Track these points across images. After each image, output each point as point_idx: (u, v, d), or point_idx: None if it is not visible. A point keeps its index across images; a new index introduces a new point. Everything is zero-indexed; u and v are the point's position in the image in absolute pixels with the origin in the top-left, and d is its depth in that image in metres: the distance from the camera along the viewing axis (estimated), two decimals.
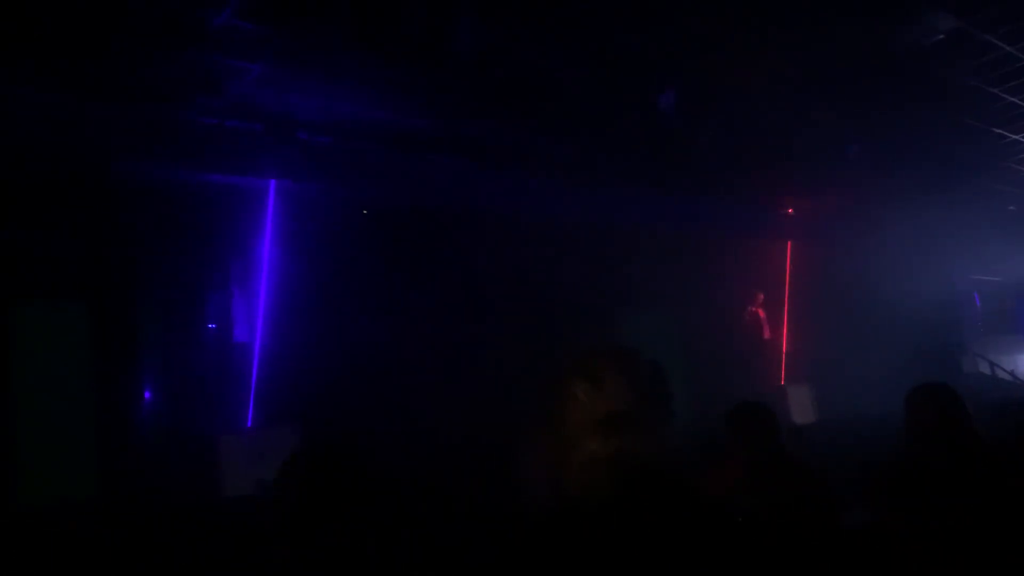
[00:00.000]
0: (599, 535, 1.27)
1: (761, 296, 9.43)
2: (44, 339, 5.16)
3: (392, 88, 5.28)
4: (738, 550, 1.36)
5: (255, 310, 6.40)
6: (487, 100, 5.63)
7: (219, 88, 4.94)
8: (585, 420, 1.41)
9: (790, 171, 7.70)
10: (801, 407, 8.59)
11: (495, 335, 6.93)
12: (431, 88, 5.33)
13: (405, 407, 6.23)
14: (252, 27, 4.44)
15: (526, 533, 1.28)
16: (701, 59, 5.31)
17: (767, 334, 9.48)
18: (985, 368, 11.50)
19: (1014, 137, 8.00)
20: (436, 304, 6.80)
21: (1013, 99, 6.93)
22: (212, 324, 6.46)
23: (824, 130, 6.75)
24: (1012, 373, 11.38)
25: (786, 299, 9.84)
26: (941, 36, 5.56)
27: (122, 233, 5.40)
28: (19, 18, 4.04)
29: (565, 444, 1.44)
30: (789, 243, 9.94)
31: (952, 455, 2.82)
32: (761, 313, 9.44)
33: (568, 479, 1.39)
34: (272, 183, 6.27)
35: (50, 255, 5.11)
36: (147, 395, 5.51)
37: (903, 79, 5.92)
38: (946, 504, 2.68)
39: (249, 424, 5.82)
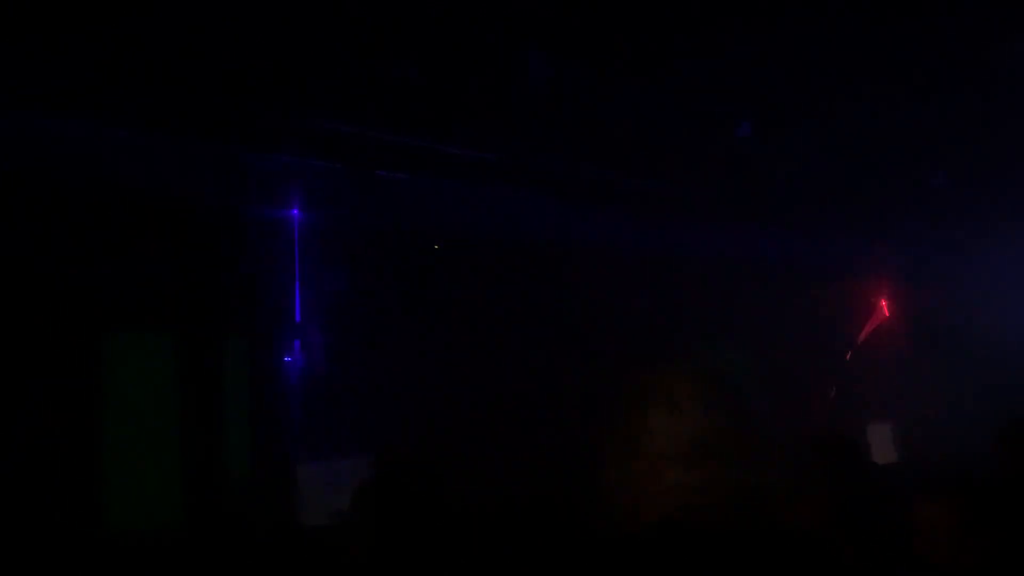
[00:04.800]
0: (685, 564, 1.25)
1: (843, 330, 9.22)
2: (132, 370, 5.34)
3: (463, 122, 5.37)
4: None
5: (329, 343, 6.51)
6: (556, 132, 5.67)
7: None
8: (664, 448, 1.37)
9: (874, 201, 7.52)
10: (885, 445, 8.32)
11: (564, 365, 6.92)
12: (501, 121, 5.41)
13: (476, 436, 6.25)
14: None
15: (604, 561, 1.27)
16: (780, 87, 5.25)
17: (849, 369, 9.24)
18: None
19: None
20: (505, 334, 6.83)
21: None
22: (288, 356, 6.60)
23: (909, 159, 6.58)
24: None
25: (868, 334, 9.58)
26: None
27: (207, 267, 5.57)
28: (112, 66, 4.25)
29: (641, 474, 1.39)
30: (871, 276, 9.69)
31: None
32: (843, 348, 9.22)
33: (647, 510, 1.35)
34: (348, 218, 6.40)
35: (139, 287, 5.30)
36: (228, 426, 5.63)
37: (998, 100, 5.73)
38: None
39: (324, 455, 5.90)
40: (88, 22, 3.92)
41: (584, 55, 4.88)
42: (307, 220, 6.26)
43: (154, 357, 5.44)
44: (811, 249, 8.74)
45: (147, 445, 5.25)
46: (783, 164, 6.24)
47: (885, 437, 8.36)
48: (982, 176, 7.32)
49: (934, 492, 2.69)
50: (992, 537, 2.51)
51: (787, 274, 8.64)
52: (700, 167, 6.33)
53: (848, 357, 9.25)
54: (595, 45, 4.76)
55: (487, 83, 4.95)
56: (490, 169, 6.10)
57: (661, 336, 7.45)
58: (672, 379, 1.47)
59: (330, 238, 6.35)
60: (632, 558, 1.26)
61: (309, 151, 5.43)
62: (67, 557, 4.62)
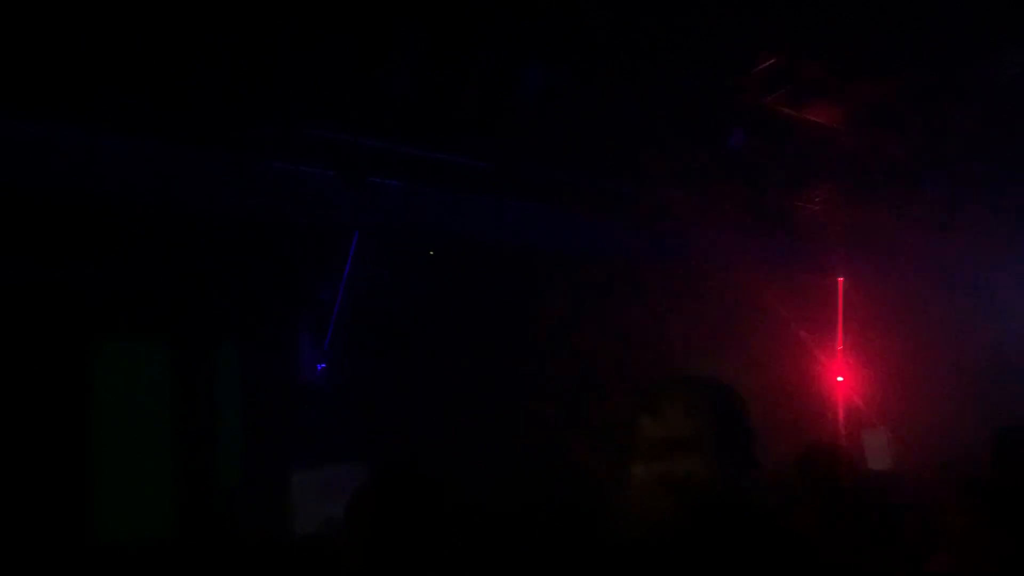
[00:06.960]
0: (654, 561, 1.26)
1: (836, 337, 9.22)
2: (124, 379, 5.30)
3: (458, 130, 5.37)
4: None
5: (324, 351, 6.48)
6: (551, 140, 5.67)
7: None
8: (648, 446, 1.43)
9: (866, 207, 7.55)
10: (879, 452, 8.28)
11: (561, 374, 6.91)
12: (496, 129, 5.40)
13: (471, 442, 6.23)
14: None
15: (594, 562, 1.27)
16: (770, 95, 5.27)
17: (842, 377, 9.24)
18: None
19: None
20: (501, 343, 6.83)
21: None
22: (283, 365, 6.57)
23: (899, 166, 6.61)
24: None
25: (862, 340, 9.57)
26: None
27: (200, 275, 5.55)
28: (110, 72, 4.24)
29: (622, 474, 1.48)
30: (864, 282, 9.70)
31: None
32: (837, 355, 9.22)
33: (623, 507, 1.41)
34: (340, 227, 6.39)
35: (132, 296, 5.27)
36: (222, 435, 5.60)
37: (981, 112, 5.77)
38: None
39: (319, 463, 5.87)
40: (86, 27, 3.91)
41: (579, 63, 4.90)
42: (300, 226, 6.24)
43: (146, 363, 5.42)
44: (804, 256, 8.76)
45: (139, 452, 5.21)
46: (777, 171, 6.25)
47: (879, 443, 8.32)
48: (979, 182, 7.35)
49: (966, 497, 2.68)
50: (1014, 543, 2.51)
51: (779, 282, 8.64)
52: (695, 173, 6.34)
53: (840, 365, 9.25)
54: (591, 53, 4.78)
55: (482, 92, 4.95)
56: (485, 177, 6.11)
57: (655, 343, 7.44)
58: (658, 388, 1.54)
59: (322, 249, 6.33)
60: (631, 560, 1.26)
61: (302, 158, 5.43)
62: (57, 565, 4.59)
